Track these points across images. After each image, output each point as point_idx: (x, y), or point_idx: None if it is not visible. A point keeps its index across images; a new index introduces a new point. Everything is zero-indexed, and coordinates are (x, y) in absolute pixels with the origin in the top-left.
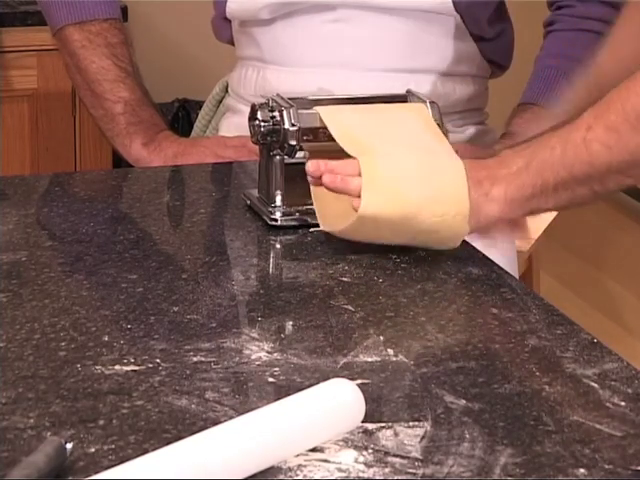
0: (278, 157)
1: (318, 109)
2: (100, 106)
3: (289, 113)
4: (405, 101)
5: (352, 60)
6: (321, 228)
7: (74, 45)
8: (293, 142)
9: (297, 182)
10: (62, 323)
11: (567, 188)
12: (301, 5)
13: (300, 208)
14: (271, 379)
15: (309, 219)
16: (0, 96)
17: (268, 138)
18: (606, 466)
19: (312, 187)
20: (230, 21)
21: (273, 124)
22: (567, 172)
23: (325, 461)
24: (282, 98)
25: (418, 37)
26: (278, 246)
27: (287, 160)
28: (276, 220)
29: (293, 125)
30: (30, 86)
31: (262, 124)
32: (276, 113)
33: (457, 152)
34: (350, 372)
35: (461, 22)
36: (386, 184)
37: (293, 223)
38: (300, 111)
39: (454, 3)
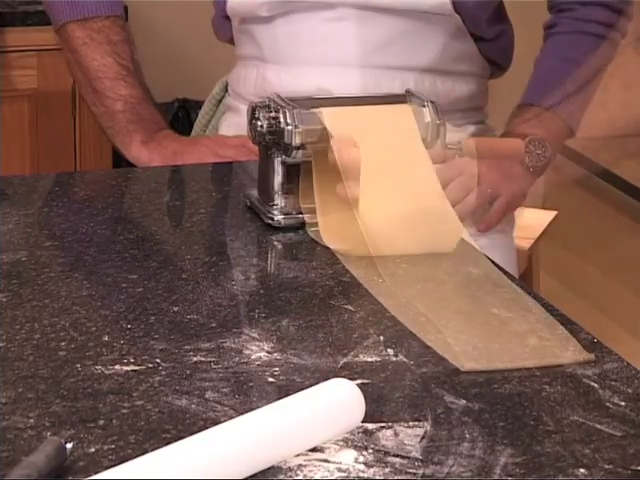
0: (277, 157)
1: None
2: (101, 103)
3: (287, 113)
4: (404, 101)
5: (351, 58)
6: (324, 243)
7: (76, 42)
8: (291, 142)
9: (296, 182)
10: (62, 323)
11: None
12: (300, 3)
13: (298, 207)
14: (271, 379)
15: (307, 218)
16: (0, 96)
17: (267, 138)
18: (606, 466)
19: (317, 201)
20: (230, 20)
21: (272, 124)
22: None
23: (325, 461)
24: (281, 98)
25: (417, 36)
26: (278, 246)
27: (286, 160)
28: (275, 220)
29: (291, 125)
30: (30, 86)
31: (261, 124)
32: (275, 113)
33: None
34: (350, 372)
35: (461, 22)
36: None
37: (292, 223)
38: (299, 111)
39: (453, 4)
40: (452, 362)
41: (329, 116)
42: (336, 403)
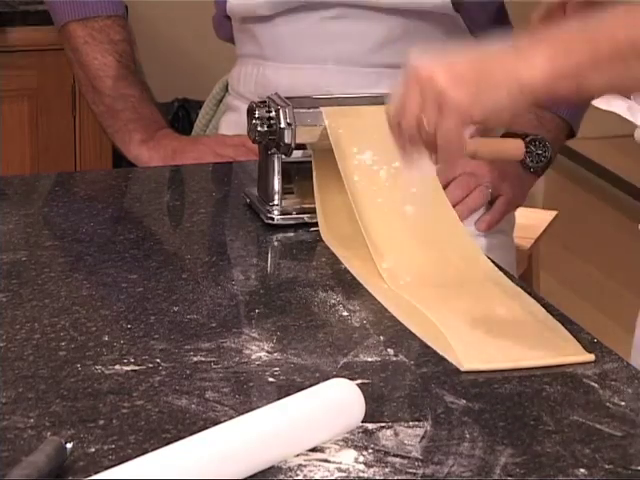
0: (276, 156)
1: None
2: (101, 102)
3: (285, 112)
4: None
5: (351, 57)
6: (325, 243)
7: (77, 41)
8: (291, 142)
9: (296, 182)
10: (62, 323)
11: (623, 59)
12: (301, 2)
13: (298, 207)
14: (271, 379)
15: (306, 218)
16: (0, 95)
17: (267, 138)
18: (606, 466)
19: (317, 201)
20: (230, 19)
21: (270, 123)
22: (627, 37)
23: (325, 461)
24: (281, 97)
25: (417, 35)
26: (278, 246)
27: (285, 159)
28: (273, 219)
29: (289, 124)
30: (30, 85)
31: (261, 124)
32: (274, 113)
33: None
34: (350, 372)
35: (461, 22)
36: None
37: (291, 222)
38: (298, 111)
39: (453, 3)
40: (452, 362)
41: (329, 115)
42: (336, 403)
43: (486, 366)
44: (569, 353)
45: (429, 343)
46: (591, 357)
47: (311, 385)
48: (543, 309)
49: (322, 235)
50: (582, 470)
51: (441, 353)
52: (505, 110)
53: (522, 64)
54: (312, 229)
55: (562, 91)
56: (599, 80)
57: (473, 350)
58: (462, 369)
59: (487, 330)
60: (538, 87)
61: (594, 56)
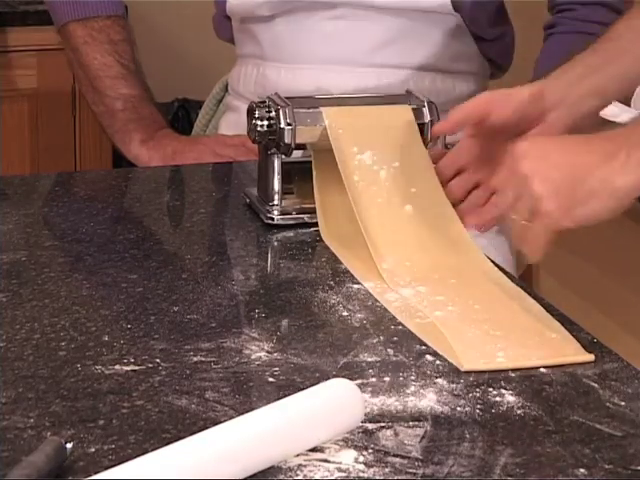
0: (276, 156)
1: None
2: (101, 102)
3: (285, 112)
4: (404, 101)
5: (351, 57)
6: (325, 242)
7: (77, 41)
8: (290, 142)
9: (296, 182)
10: (62, 323)
11: None
12: (301, 2)
13: (298, 207)
14: (271, 379)
15: (306, 218)
16: (0, 96)
17: (266, 138)
18: (606, 466)
19: (317, 201)
20: (230, 19)
21: (270, 123)
22: None
23: (325, 461)
24: (280, 97)
25: (418, 35)
26: (278, 246)
27: (285, 159)
28: (273, 219)
29: (288, 124)
30: (30, 86)
31: (260, 124)
32: (274, 113)
33: None
34: (350, 372)
35: (461, 21)
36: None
37: (291, 222)
38: (297, 110)
39: (453, 3)
40: (452, 362)
41: (329, 115)
42: (336, 403)
43: (486, 366)
44: (569, 353)
45: (429, 343)
46: (591, 357)
47: (311, 385)
48: (543, 309)
49: (322, 235)
50: (582, 470)
51: (441, 353)
52: (597, 218)
53: (617, 171)
54: (312, 229)
55: None
56: None
57: (473, 350)
58: (462, 369)
59: (487, 330)
60: (632, 191)
61: None
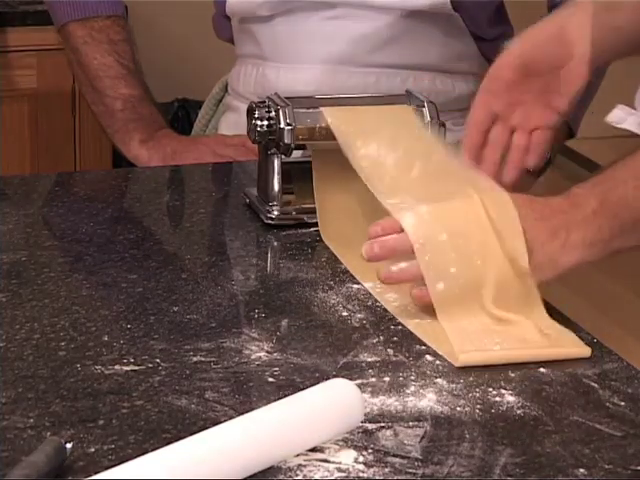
0: (275, 156)
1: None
2: (100, 102)
3: (285, 112)
4: (404, 101)
5: (351, 57)
6: (325, 242)
7: (77, 41)
8: (290, 142)
9: (296, 182)
10: (62, 323)
11: None
12: (300, 2)
13: (298, 207)
14: (271, 379)
15: (306, 218)
16: (0, 96)
17: (266, 138)
18: (606, 466)
19: (317, 200)
20: (230, 19)
21: (270, 123)
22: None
23: (325, 461)
24: (280, 97)
25: (417, 35)
26: (278, 246)
27: (285, 159)
28: (273, 219)
29: (288, 124)
30: (30, 86)
31: (260, 124)
32: (274, 113)
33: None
34: (350, 372)
35: (461, 21)
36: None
37: (290, 222)
38: (297, 110)
39: (453, 3)
40: (447, 357)
41: (330, 114)
42: (336, 403)
43: (480, 361)
44: (566, 345)
45: (428, 342)
46: (588, 350)
47: (311, 385)
48: (541, 303)
49: (322, 235)
50: (582, 470)
51: (435, 349)
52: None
53: (559, 250)
54: (312, 229)
55: (598, 258)
56: (630, 242)
57: (469, 345)
58: (456, 364)
59: (484, 325)
60: (575, 266)
61: (622, 228)
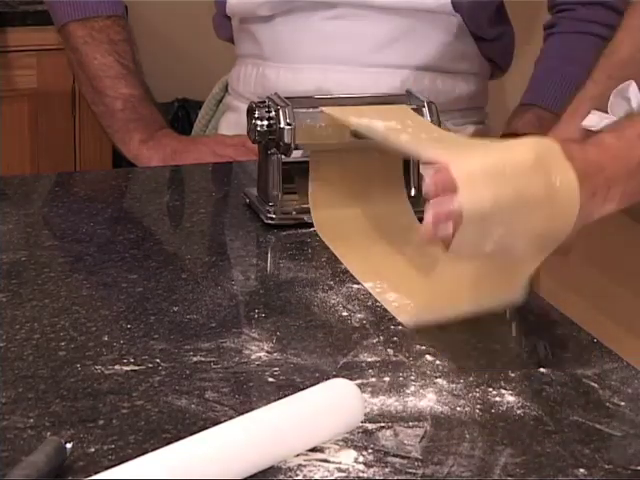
0: (275, 156)
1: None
2: (101, 102)
3: (285, 112)
4: (404, 101)
5: (351, 57)
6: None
7: (77, 41)
8: (290, 141)
9: (296, 182)
10: (62, 323)
11: None
12: (301, 2)
13: (298, 207)
14: (271, 379)
15: (306, 218)
16: (0, 96)
17: (266, 137)
18: (606, 466)
19: (317, 200)
20: (230, 19)
21: (270, 123)
22: None
23: (325, 461)
24: (280, 97)
25: (417, 35)
26: (278, 246)
27: (285, 159)
28: (273, 219)
29: (288, 124)
30: (30, 86)
31: (260, 123)
32: (274, 113)
33: None
34: (350, 372)
35: (461, 21)
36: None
37: (290, 222)
38: (297, 110)
39: (453, 3)
40: (399, 319)
41: (332, 113)
42: (336, 403)
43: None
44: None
45: (427, 342)
46: (525, 290)
47: (311, 385)
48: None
49: (321, 234)
50: (582, 470)
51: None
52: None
53: (599, 209)
54: (312, 229)
55: (630, 204)
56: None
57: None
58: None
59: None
60: (609, 212)
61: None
